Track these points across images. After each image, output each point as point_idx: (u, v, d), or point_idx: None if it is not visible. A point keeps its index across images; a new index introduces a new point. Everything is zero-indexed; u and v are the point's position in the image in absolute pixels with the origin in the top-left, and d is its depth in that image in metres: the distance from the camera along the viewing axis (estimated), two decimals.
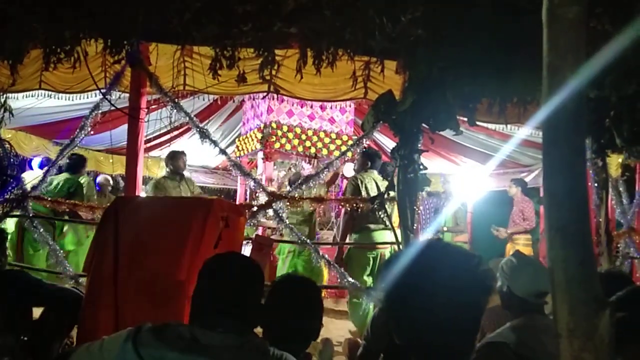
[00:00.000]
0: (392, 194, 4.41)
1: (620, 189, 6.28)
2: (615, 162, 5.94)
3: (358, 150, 5.15)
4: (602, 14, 2.95)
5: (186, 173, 6.24)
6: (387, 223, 4.67)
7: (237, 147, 7.80)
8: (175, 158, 5.85)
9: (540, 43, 1.28)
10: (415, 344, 1.05)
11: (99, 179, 7.86)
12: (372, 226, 4.90)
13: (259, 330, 1.91)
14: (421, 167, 3.88)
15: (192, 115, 4.64)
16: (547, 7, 1.19)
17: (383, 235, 4.91)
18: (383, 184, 4.97)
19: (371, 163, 5.14)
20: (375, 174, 5.12)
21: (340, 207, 7.38)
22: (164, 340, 1.38)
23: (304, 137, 6.93)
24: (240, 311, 1.49)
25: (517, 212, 6.91)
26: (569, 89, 1.09)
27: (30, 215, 4.75)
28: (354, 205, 4.75)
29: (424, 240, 1.14)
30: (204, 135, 4.45)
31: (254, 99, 6.95)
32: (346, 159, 6.41)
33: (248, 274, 1.58)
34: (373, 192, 4.84)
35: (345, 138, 7.12)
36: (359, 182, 4.96)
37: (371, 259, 4.90)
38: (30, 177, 5.57)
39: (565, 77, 1.11)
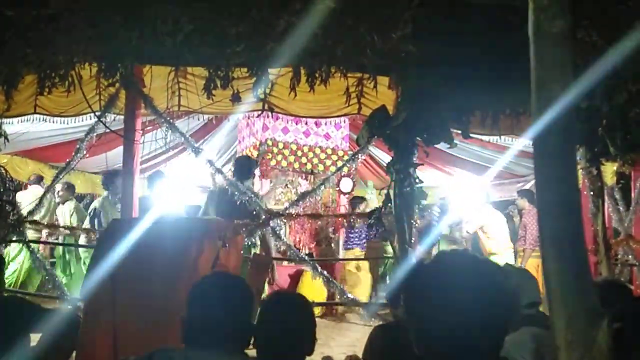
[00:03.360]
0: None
1: (617, 196, 6.29)
2: (610, 170, 5.95)
3: (354, 166, 5.13)
4: (590, 26, 2.99)
5: None
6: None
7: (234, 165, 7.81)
8: None
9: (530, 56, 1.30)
10: (436, 356, 1.04)
11: None
12: None
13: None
14: (417, 180, 3.89)
15: (188, 135, 4.65)
16: (533, 23, 1.21)
17: None
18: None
19: (238, 173, 4.80)
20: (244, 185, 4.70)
21: (337, 222, 7.39)
22: None
23: (299, 153, 6.95)
24: (231, 331, 1.50)
25: (522, 226, 6.68)
26: (558, 103, 1.11)
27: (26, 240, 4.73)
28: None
29: (453, 252, 1.12)
30: (200, 155, 4.47)
31: (249, 117, 6.98)
32: (342, 174, 6.44)
33: (237, 296, 1.59)
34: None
35: (341, 153, 7.14)
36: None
37: None
38: (25, 197, 5.56)
39: (552, 90, 1.12)
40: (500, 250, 6.20)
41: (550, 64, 1.16)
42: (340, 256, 7.01)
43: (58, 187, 6.03)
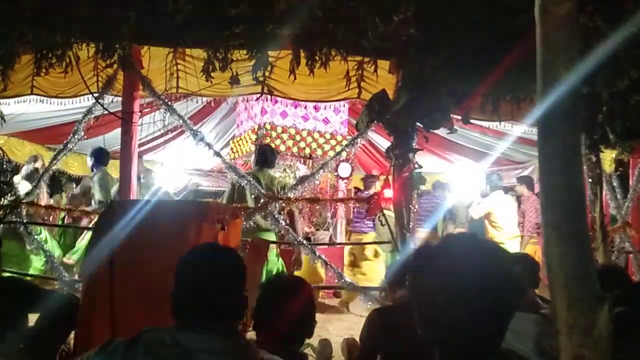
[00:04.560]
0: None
1: (614, 184, 6.29)
2: (608, 157, 5.95)
3: (353, 151, 5.12)
4: (593, 10, 2.96)
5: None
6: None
7: (232, 149, 7.79)
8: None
9: (532, 40, 1.28)
10: (440, 338, 1.03)
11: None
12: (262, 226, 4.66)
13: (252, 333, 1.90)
14: (416, 165, 3.89)
15: (186, 118, 4.62)
16: (539, 4, 1.19)
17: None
18: (278, 182, 4.79)
19: (262, 161, 4.86)
20: (265, 172, 4.80)
21: (336, 207, 7.40)
22: (140, 349, 1.29)
23: (298, 137, 6.93)
24: (222, 307, 1.42)
25: (520, 213, 6.55)
26: (563, 86, 1.10)
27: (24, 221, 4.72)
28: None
29: (458, 234, 1.11)
30: (198, 137, 4.44)
31: (247, 101, 6.94)
32: (341, 159, 6.42)
33: (226, 266, 1.50)
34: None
35: (339, 138, 7.12)
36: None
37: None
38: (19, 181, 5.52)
39: (558, 74, 1.11)
40: (505, 239, 6.10)
41: (556, 46, 1.14)
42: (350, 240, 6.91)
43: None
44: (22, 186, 5.38)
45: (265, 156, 4.89)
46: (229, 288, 1.46)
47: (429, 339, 1.03)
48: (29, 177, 5.78)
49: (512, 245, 6.08)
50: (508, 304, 1.00)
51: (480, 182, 6.82)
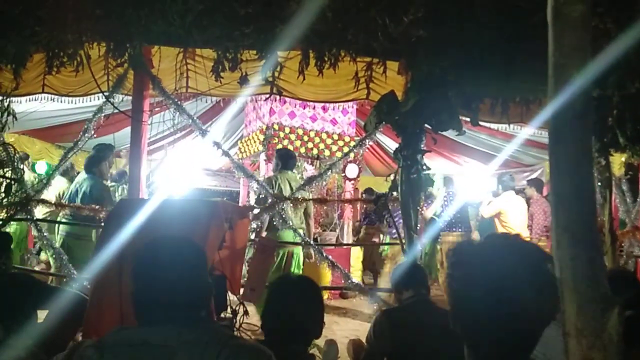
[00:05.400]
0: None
1: (624, 187, 6.25)
2: (618, 161, 5.91)
3: (361, 152, 5.12)
4: (605, 13, 2.95)
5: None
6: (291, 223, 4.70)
7: (240, 149, 7.81)
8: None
9: (542, 42, 1.28)
10: (471, 335, 1.03)
11: None
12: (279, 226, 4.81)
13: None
14: (424, 167, 3.88)
15: (195, 118, 4.65)
16: (552, 6, 1.19)
17: (288, 235, 4.85)
18: (297, 183, 5.01)
19: (283, 163, 5.11)
20: (289, 174, 5.10)
21: (343, 208, 7.40)
22: (109, 353, 1.27)
23: (306, 138, 6.94)
24: (184, 297, 1.37)
25: (529, 215, 6.54)
26: (575, 88, 1.09)
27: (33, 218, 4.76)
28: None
29: (503, 235, 1.09)
30: (207, 137, 4.47)
31: (256, 101, 6.96)
32: (348, 160, 6.43)
33: (183, 256, 1.44)
34: (286, 192, 4.83)
35: (347, 139, 7.12)
36: (272, 183, 4.95)
37: (277, 257, 4.85)
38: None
39: (571, 76, 1.11)
40: None
41: (570, 49, 1.14)
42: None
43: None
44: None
45: (286, 159, 5.13)
46: (187, 277, 1.40)
47: (461, 336, 1.02)
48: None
49: None
50: (542, 306, 0.98)
51: (489, 184, 6.77)
